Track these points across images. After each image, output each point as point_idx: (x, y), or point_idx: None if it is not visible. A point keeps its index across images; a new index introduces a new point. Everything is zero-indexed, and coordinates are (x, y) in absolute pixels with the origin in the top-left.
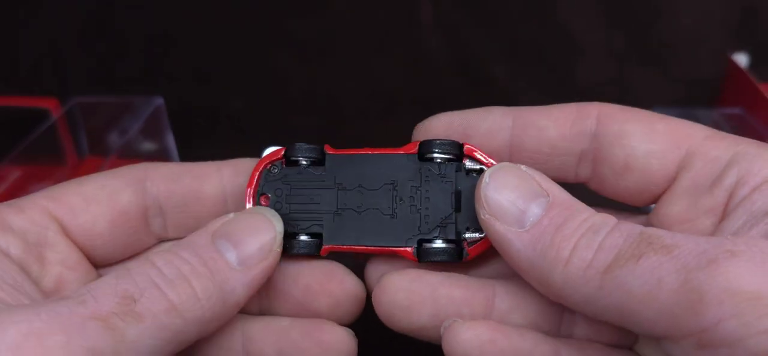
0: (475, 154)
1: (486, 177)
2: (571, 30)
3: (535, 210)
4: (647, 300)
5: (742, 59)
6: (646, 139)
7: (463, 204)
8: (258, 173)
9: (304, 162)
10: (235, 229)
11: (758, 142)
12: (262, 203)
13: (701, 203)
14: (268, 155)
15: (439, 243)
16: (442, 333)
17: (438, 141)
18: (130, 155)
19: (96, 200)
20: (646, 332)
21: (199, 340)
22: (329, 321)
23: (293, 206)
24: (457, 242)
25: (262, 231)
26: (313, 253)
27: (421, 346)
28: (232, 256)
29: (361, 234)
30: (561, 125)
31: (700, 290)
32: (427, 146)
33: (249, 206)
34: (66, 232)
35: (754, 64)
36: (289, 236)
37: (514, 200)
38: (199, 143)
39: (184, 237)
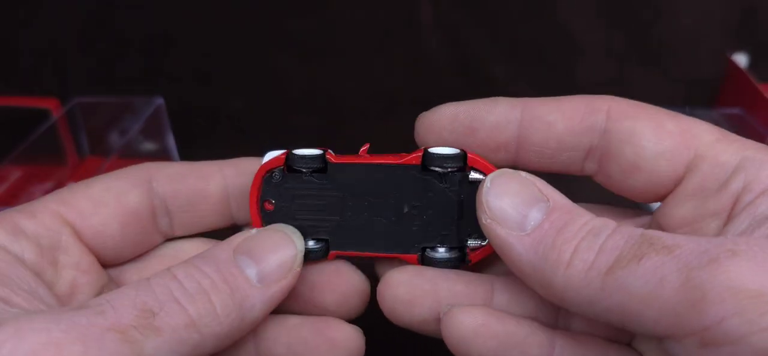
0: (478, 163)
1: (487, 183)
2: (571, 30)
3: (535, 215)
4: (649, 300)
5: (741, 59)
6: (656, 139)
7: (466, 212)
8: (260, 178)
9: (305, 170)
10: (256, 246)
11: (766, 147)
12: (266, 208)
13: (707, 206)
14: (268, 161)
15: (442, 251)
16: (441, 318)
17: (442, 155)
18: (131, 155)
19: (105, 202)
20: (648, 332)
21: None
22: (338, 318)
23: (297, 212)
24: (459, 249)
25: (283, 249)
26: (321, 258)
27: (423, 346)
28: (252, 272)
29: (366, 241)
30: (569, 119)
31: (702, 288)
32: (430, 160)
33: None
34: (78, 235)
35: (753, 64)
36: None
37: (515, 205)
38: (199, 143)
39: (189, 235)
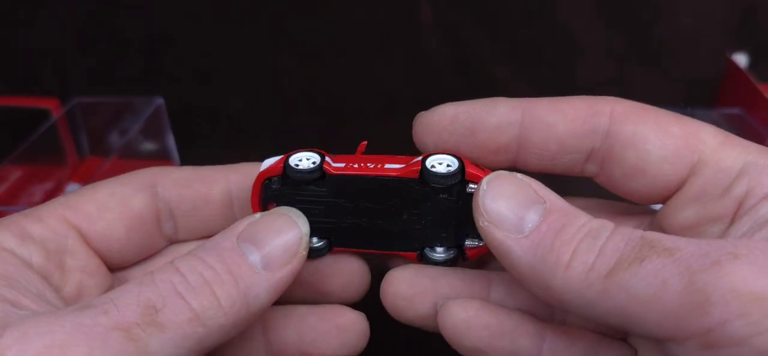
0: (476, 177)
1: (483, 185)
2: (571, 30)
3: (533, 216)
4: (651, 303)
5: (741, 59)
6: (659, 143)
7: (464, 216)
8: (260, 185)
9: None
10: (260, 230)
11: None
12: (269, 209)
13: (709, 210)
14: (265, 170)
15: (440, 251)
16: (437, 311)
17: (440, 174)
18: (131, 155)
19: (110, 206)
20: (649, 334)
21: None
22: (343, 305)
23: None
24: (457, 247)
25: (288, 232)
26: (324, 254)
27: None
28: (256, 258)
29: (367, 241)
30: (571, 121)
31: (705, 291)
32: (428, 176)
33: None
34: (85, 239)
35: (753, 64)
36: None
37: (511, 207)
38: (199, 143)
39: (192, 240)
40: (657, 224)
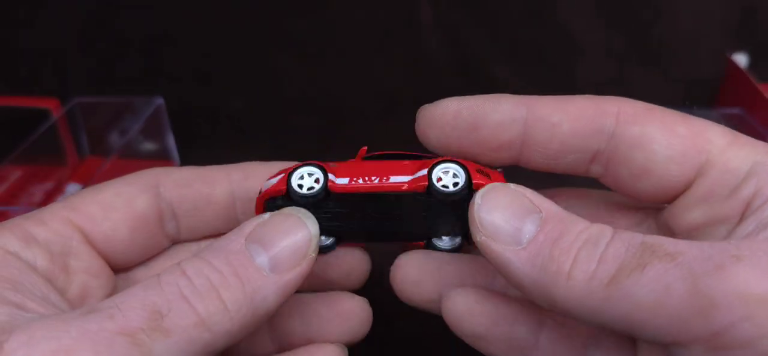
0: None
1: (477, 199)
2: (571, 30)
3: (529, 227)
4: (656, 309)
5: (741, 59)
6: (666, 144)
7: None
8: (262, 204)
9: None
10: (268, 232)
11: None
12: None
13: (717, 211)
14: (268, 189)
15: (445, 239)
16: (441, 299)
17: (448, 193)
18: (131, 155)
19: (114, 207)
20: (655, 339)
21: None
22: (346, 292)
23: None
24: (462, 235)
25: (296, 233)
26: (332, 250)
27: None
28: (263, 260)
29: (374, 236)
30: (576, 121)
31: (710, 295)
32: (437, 193)
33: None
34: (88, 240)
35: (753, 64)
36: None
37: (507, 219)
38: (199, 143)
39: (195, 240)
40: (664, 224)
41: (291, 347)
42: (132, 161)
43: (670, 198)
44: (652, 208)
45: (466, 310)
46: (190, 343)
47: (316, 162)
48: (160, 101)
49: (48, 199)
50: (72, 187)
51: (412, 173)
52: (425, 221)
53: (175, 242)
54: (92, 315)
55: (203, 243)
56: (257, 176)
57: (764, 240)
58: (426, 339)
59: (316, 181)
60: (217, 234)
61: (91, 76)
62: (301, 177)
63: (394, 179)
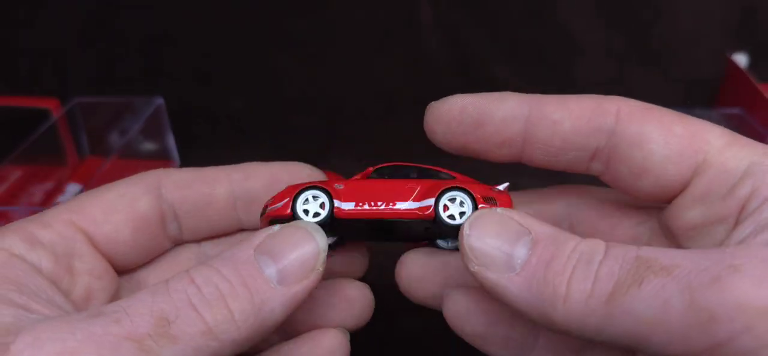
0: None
1: (466, 229)
2: (571, 30)
3: (521, 251)
4: (656, 324)
5: (741, 59)
6: (664, 143)
7: None
8: (267, 222)
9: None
10: (277, 243)
11: None
12: None
13: (714, 211)
14: (273, 212)
15: (448, 242)
16: (443, 299)
17: (455, 226)
18: (131, 155)
19: (116, 209)
20: (658, 353)
21: None
22: (348, 278)
23: None
24: None
25: (305, 246)
26: (338, 248)
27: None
28: (272, 272)
29: (380, 239)
30: (577, 118)
31: (709, 309)
32: (444, 226)
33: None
34: (92, 242)
35: (753, 64)
36: None
37: (498, 246)
38: (199, 143)
39: (198, 240)
40: (663, 223)
41: (295, 334)
42: (132, 161)
43: (669, 197)
44: (654, 207)
45: (467, 310)
46: (197, 351)
47: (320, 184)
48: (160, 101)
49: (48, 199)
50: (72, 187)
51: (419, 197)
52: (428, 232)
53: (178, 242)
54: (98, 319)
55: (205, 244)
56: (257, 176)
57: (761, 246)
58: (427, 336)
59: (322, 205)
60: (218, 234)
61: (91, 76)
62: (306, 200)
63: (401, 205)
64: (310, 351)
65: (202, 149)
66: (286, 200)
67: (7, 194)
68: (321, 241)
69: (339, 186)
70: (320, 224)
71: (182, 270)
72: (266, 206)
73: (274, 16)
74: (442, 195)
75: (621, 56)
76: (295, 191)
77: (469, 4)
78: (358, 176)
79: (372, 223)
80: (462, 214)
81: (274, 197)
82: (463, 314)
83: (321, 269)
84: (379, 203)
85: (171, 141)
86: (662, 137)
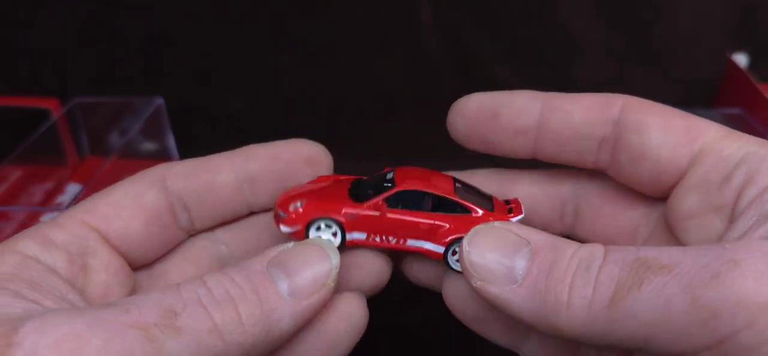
0: None
1: (466, 246)
2: (571, 30)
3: (521, 262)
4: (659, 324)
5: (741, 59)
6: (662, 131)
7: None
8: (278, 224)
9: None
10: (291, 259)
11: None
12: None
13: (711, 199)
14: (288, 233)
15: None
16: (443, 283)
17: (459, 271)
18: (131, 155)
19: (125, 205)
20: (663, 353)
21: None
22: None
23: None
24: None
25: (318, 264)
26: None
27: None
28: (283, 286)
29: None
30: (586, 110)
31: (711, 307)
32: (451, 268)
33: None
34: (105, 239)
35: (753, 64)
36: None
37: (498, 260)
38: (199, 143)
39: (209, 229)
40: (664, 216)
41: None
42: (132, 161)
43: (667, 186)
44: (657, 200)
45: (466, 293)
46: (202, 347)
47: (333, 217)
48: (160, 101)
49: (48, 199)
50: (72, 187)
51: (430, 237)
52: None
53: (191, 233)
54: (108, 308)
55: (218, 232)
56: (257, 157)
57: (761, 240)
58: (426, 328)
59: (334, 235)
60: (229, 220)
61: (91, 76)
62: (319, 228)
63: (411, 243)
64: (328, 316)
65: (202, 149)
66: (299, 227)
67: (7, 194)
68: (334, 259)
69: (352, 216)
70: None
71: (198, 259)
72: (278, 209)
73: (274, 16)
74: (453, 244)
75: (621, 56)
76: (309, 220)
77: (469, 4)
78: (374, 201)
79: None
80: None
81: (285, 198)
82: (463, 297)
83: (332, 284)
84: (390, 238)
85: (171, 141)
86: (661, 125)
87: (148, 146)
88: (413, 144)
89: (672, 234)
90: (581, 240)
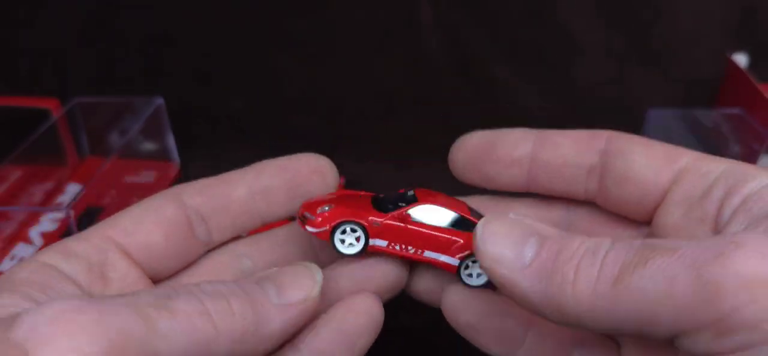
0: None
1: (479, 230)
2: (571, 30)
3: (530, 248)
4: (663, 300)
5: (741, 59)
6: (644, 155)
7: None
8: (303, 225)
9: None
10: (278, 274)
11: (744, 163)
12: None
13: (693, 213)
14: (313, 233)
15: (475, 278)
16: (442, 293)
17: (471, 285)
18: (131, 155)
19: (144, 218)
20: (664, 332)
21: None
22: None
23: None
24: None
25: (304, 279)
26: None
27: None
28: (272, 293)
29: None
30: (575, 141)
31: (715, 281)
32: (461, 281)
33: None
34: (125, 252)
35: (753, 64)
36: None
37: (509, 244)
38: (199, 143)
39: (229, 244)
40: (649, 235)
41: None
42: (132, 161)
43: (651, 207)
44: (645, 225)
45: (462, 301)
46: (194, 330)
47: (360, 221)
48: (160, 101)
49: (48, 199)
50: (72, 187)
51: (446, 250)
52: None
53: (209, 248)
54: (107, 295)
55: (239, 246)
56: (268, 170)
57: (762, 231)
58: (422, 330)
59: (358, 239)
60: (245, 232)
61: (91, 76)
62: (344, 231)
63: (429, 254)
64: (345, 314)
65: (202, 149)
66: (326, 228)
67: (7, 194)
68: (318, 276)
69: (376, 223)
70: (354, 257)
71: (220, 273)
72: (303, 214)
73: (274, 16)
74: (468, 259)
75: (621, 56)
76: (335, 223)
77: (469, 4)
78: (397, 213)
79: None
80: (480, 275)
81: (312, 203)
82: (458, 305)
83: (316, 296)
84: (410, 248)
85: (171, 141)
86: (643, 151)
87: (148, 146)
88: (413, 144)
89: None
90: None
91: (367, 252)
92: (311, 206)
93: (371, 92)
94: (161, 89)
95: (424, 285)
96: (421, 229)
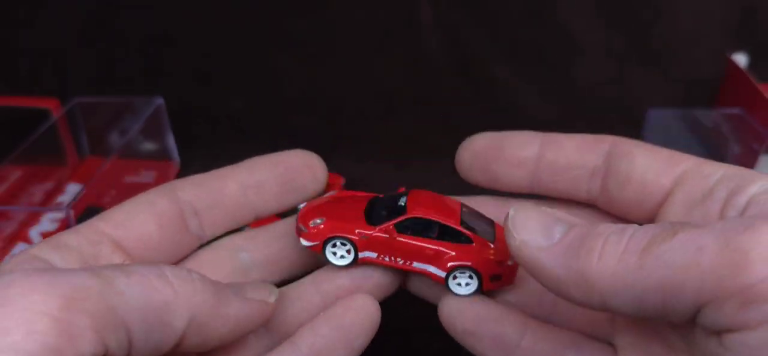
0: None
1: (511, 212)
2: (571, 30)
3: (559, 230)
4: (690, 268)
5: (741, 59)
6: (646, 157)
7: None
8: (298, 230)
9: None
10: (242, 283)
11: (744, 168)
12: None
13: (695, 213)
14: (307, 246)
15: (463, 287)
16: (440, 300)
17: (458, 294)
18: (131, 155)
19: (137, 212)
20: (690, 302)
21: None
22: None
23: None
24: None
25: (263, 288)
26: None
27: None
28: (233, 289)
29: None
30: (580, 143)
31: (743, 249)
32: (450, 291)
33: None
34: (118, 245)
35: (753, 64)
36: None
37: (539, 228)
38: (199, 143)
39: (221, 236)
40: None
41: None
42: (132, 161)
43: (653, 209)
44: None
45: (458, 309)
46: (152, 290)
47: (349, 236)
48: (160, 101)
49: (48, 199)
50: (72, 187)
51: (434, 262)
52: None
53: (202, 242)
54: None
55: (236, 240)
56: (259, 165)
57: None
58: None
59: (348, 251)
60: (238, 227)
61: (91, 76)
62: (334, 244)
63: (417, 265)
64: (344, 312)
65: (202, 149)
66: (318, 243)
67: (7, 194)
68: (274, 290)
69: (365, 237)
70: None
71: (217, 267)
72: (300, 224)
73: (274, 16)
74: (455, 270)
75: (621, 56)
76: (326, 237)
77: (469, 4)
78: (383, 227)
79: None
80: (467, 284)
81: (307, 212)
82: (456, 312)
83: (272, 302)
84: (399, 259)
85: (171, 141)
86: (645, 153)
87: (148, 146)
88: (413, 144)
89: None
90: None
91: (358, 263)
92: (306, 217)
93: (371, 92)
94: (161, 89)
95: (425, 289)
96: (408, 241)
